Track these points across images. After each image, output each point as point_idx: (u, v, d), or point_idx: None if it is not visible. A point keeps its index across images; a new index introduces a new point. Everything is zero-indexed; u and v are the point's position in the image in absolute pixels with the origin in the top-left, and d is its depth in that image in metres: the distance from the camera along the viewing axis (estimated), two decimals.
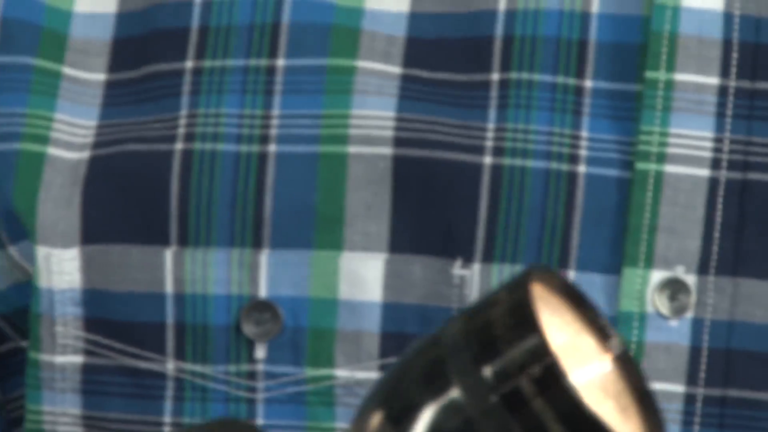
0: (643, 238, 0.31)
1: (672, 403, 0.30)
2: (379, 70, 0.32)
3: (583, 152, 0.31)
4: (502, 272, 0.31)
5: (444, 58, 0.32)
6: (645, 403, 0.28)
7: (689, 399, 0.31)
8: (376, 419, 0.28)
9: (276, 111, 0.32)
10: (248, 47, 0.33)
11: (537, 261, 0.31)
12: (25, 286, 0.34)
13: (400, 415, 0.28)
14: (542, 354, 0.26)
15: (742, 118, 0.31)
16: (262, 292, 0.32)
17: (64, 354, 0.34)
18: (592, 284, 0.31)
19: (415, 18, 0.33)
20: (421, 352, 0.28)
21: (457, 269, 0.32)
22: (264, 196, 0.32)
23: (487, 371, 0.26)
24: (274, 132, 0.32)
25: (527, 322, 0.26)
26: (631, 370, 0.28)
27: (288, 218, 0.32)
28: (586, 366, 0.27)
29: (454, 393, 0.27)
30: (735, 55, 0.31)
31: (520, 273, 0.27)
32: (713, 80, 0.31)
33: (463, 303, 0.31)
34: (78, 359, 0.34)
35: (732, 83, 0.31)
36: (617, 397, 0.28)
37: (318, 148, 0.32)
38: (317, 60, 0.32)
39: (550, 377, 0.26)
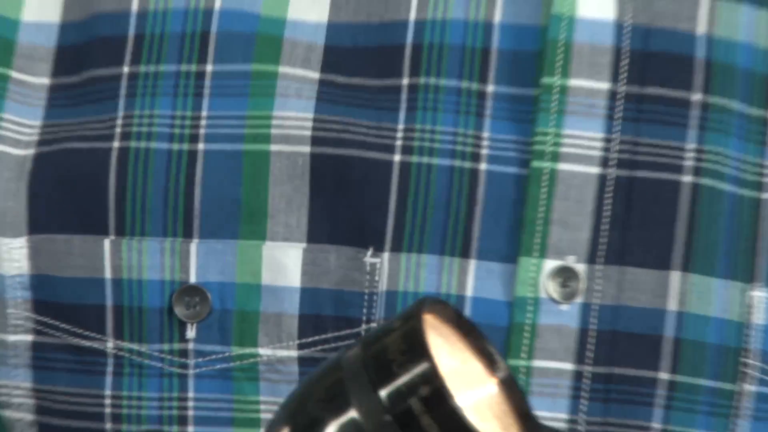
0: (537, 230, 0.34)
1: (562, 379, 0.33)
2: (299, 75, 0.35)
3: (484, 151, 0.34)
4: (410, 260, 0.33)
5: (359, 65, 0.35)
6: (527, 423, 0.30)
7: (577, 376, 0.33)
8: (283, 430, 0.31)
9: (204, 113, 0.35)
10: (180, 54, 0.35)
11: (442, 250, 0.34)
12: None
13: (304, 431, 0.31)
14: (431, 377, 0.27)
15: (631, 120, 0.34)
16: (192, 278, 0.34)
17: (15, 333, 0.37)
18: (492, 272, 0.33)
19: (332, 28, 0.35)
20: (324, 374, 0.30)
21: (369, 257, 0.34)
22: (194, 190, 0.34)
23: (382, 393, 0.28)
24: (202, 132, 0.34)
25: (418, 349, 0.28)
26: (515, 392, 0.30)
27: (216, 211, 0.34)
28: (472, 388, 0.30)
29: (353, 413, 0.29)
30: (625, 61, 0.34)
31: (414, 303, 0.29)
32: (604, 85, 0.34)
33: (374, 288, 0.34)
34: (28, 338, 0.36)
35: (621, 88, 0.34)
36: (501, 417, 0.30)
37: (242, 147, 0.34)
38: (242, 66, 0.35)
39: (438, 398, 0.27)
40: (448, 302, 0.32)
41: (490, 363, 0.30)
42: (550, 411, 0.33)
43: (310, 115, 0.34)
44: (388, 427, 0.28)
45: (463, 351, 0.31)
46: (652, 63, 0.34)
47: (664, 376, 0.34)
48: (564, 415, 0.33)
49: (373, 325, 0.34)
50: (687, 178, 0.34)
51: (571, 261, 0.34)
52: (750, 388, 0.34)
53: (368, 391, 0.29)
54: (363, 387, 0.29)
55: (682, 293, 0.34)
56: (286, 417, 0.30)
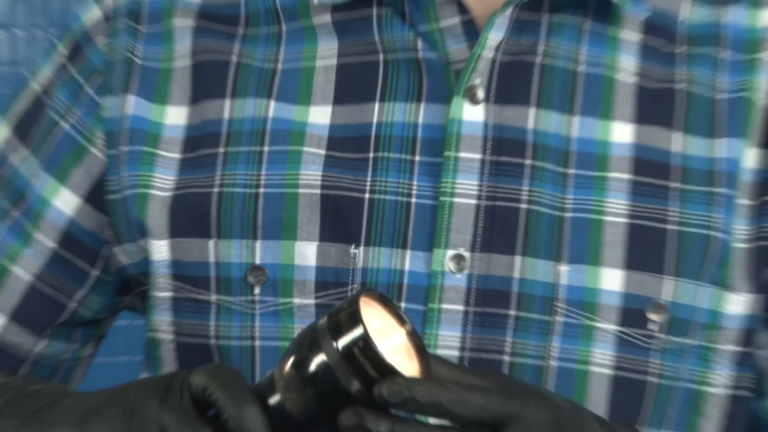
0: (443, 234, 0.56)
1: (457, 315, 0.56)
2: (313, 152, 0.58)
3: (414, 191, 0.57)
4: (374, 251, 0.56)
5: (346, 146, 0.58)
6: (422, 355, 0.47)
7: (465, 312, 0.56)
8: (288, 363, 0.46)
9: (263, 172, 0.58)
10: (249, 141, 0.58)
11: (391, 245, 0.57)
12: (146, 259, 0.61)
13: (298, 363, 0.46)
14: (364, 336, 0.43)
15: (492, 174, 0.57)
16: (257, 261, 0.57)
17: (162, 291, 0.60)
18: (419, 257, 0.56)
19: (332, 127, 0.58)
20: (308, 332, 0.46)
21: (352, 250, 0.57)
22: (257, 214, 0.58)
23: (338, 344, 0.44)
24: (262, 182, 0.58)
25: (357, 319, 0.44)
26: (416, 338, 0.47)
27: (269, 224, 0.57)
28: (390, 338, 0.46)
29: (322, 356, 0.45)
30: (488, 143, 0.57)
31: (356, 291, 0.49)
32: (477, 156, 0.57)
33: (355, 266, 0.56)
34: (168, 294, 0.60)
35: (487, 157, 0.57)
36: (407, 353, 0.47)
37: (283, 190, 0.58)
38: (283, 146, 0.58)
39: (368, 347, 0.44)
40: (375, 289, 0.51)
41: (401, 322, 0.47)
42: (451, 332, 0.56)
43: (320, 173, 0.58)
44: (342, 365, 0.44)
45: (385, 317, 0.47)
46: (504, 144, 0.57)
47: (512, 312, 0.56)
48: (458, 334, 0.56)
49: (355, 286, 0.57)
50: (524, 206, 0.56)
51: (461, 251, 0.57)
52: (559, 318, 0.58)
53: (330, 343, 0.45)
54: (327, 341, 0.45)
55: (521, 268, 0.56)
56: (291, 350, 0.47)
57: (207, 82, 0.60)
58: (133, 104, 0.61)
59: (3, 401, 0.56)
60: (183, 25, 0.61)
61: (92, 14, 0.63)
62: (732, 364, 0.60)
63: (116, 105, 0.61)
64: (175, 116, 0.61)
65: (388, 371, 0.44)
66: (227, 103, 0.60)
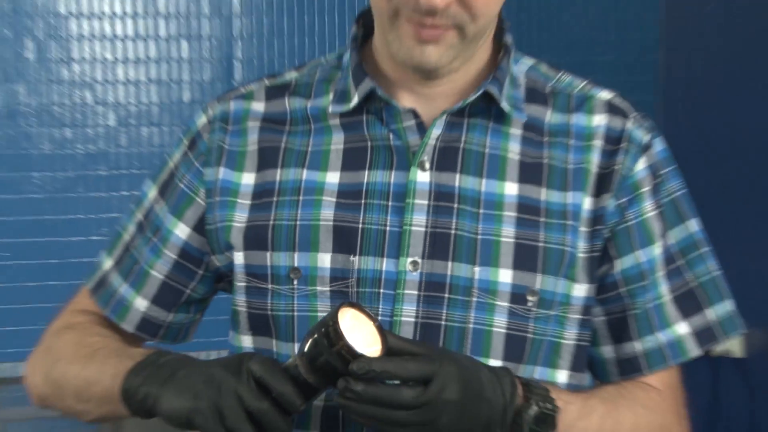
0: (405, 249, 0.89)
1: (414, 297, 0.88)
2: (328, 200, 0.93)
3: (387, 223, 0.91)
4: (365, 259, 0.88)
5: (348, 196, 0.93)
6: (384, 339, 0.77)
7: (418, 296, 0.89)
8: (304, 357, 0.78)
9: (299, 213, 0.93)
10: (291, 192, 0.94)
11: (375, 255, 0.93)
12: (231, 263, 0.95)
13: (310, 359, 0.78)
14: (345, 343, 0.75)
15: (434, 213, 0.90)
16: (295, 264, 0.93)
17: (239, 282, 0.94)
18: (391, 263, 0.90)
19: (340, 184, 0.93)
20: (317, 328, 0.78)
21: (351, 258, 0.89)
22: (295, 237, 0.93)
23: (332, 349, 0.76)
24: (298, 218, 0.92)
25: (339, 333, 0.76)
26: (381, 328, 0.78)
27: (302, 243, 0.92)
28: (362, 330, 0.77)
29: (325, 356, 0.77)
30: (432, 194, 0.92)
31: (339, 304, 0.79)
32: (425, 202, 0.90)
33: (354, 267, 0.89)
34: (243, 284, 0.93)
35: (432, 202, 0.91)
36: (374, 339, 0.78)
37: (310, 223, 0.93)
38: (311, 197, 0.94)
39: (347, 346, 0.76)
40: (353, 301, 0.83)
41: (371, 319, 0.77)
42: (410, 307, 0.87)
43: (332, 212, 0.91)
44: (334, 358, 0.76)
45: (359, 317, 0.77)
46: (440, 195, 0.90)
47: (446, 295, 0.88)
48: (414, 308, 0.87)
49: (353, 280, 0.89)
50: (453, 232, 0.89)
51: (416, 258, 0.89)
52: (474, 299, 0.90)
53: (328, 349, 0.76)
54: (326, 348, 0.76)
55: (451, 269, 0.88)
56: (304, 348, 0.77)
57: (266, 159, 0.95)
58: (222, 172, 0.96)
59: (146, 373, 0.85)
60: (253, 125, 0.99)
61: (201, 120, 1.01)
62: (577, 326, 0.95)
63: (212, 173, 0.97)
64: (247, 179, 0.96)
65: (359, 356, 0.75)
66: (278, 171, 0.95)
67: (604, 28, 2.60)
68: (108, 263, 1.03)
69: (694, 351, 0.96)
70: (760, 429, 2.02)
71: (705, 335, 0.96)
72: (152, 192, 1.02)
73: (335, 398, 0.78)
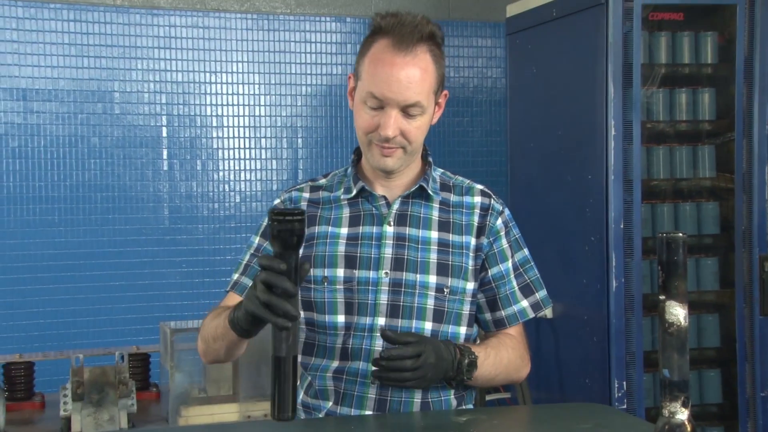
0: (381, 266, 1.73)
1: (386, 291, 1.71)
2: (342, 242, 1.79)
3: (373, 253, 1.83)
4: (361, 271, 1.75)
5: (351, 240, 1.77)
6: None
7: (388, 291, 1.72)
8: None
9: (327, 250, 1.76)
10: (323, 239, 1.79)
11: (367, 269, 1.84)
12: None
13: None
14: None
15: (395, 247, 1.76)
16: (326, 275, 1.73)
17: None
18: (375, 273, 1.76)
19: (348, 235, 1.80)
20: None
21: (354, 271, 1.69)
22: (325, 261, 1.73)
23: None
24: (327, 251, 1.75)
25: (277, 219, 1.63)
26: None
27: (329, 264, 1.76)
28: None
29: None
30: (395, 238, 1.78)
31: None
32: (391, 242, 1.76)
33: (354, 277, 1.73)
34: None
35: (394, 242, 1.75)
36: None
37: (334, 254, 1.78)
38: (334, 240, 1.80)
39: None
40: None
41: None
42: (385, 297, 1.67)
43: (344, 249, 1.73)
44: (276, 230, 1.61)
45: None
46: (399, 238, 1.76)
47: (404, 290, 1.66)
48: (386, 298, 1.65)
49: (356, 281, 1.84)
50: (406, 257, 1.74)
51: (387, 270, 1.71)
52: (418, 290, 1.67)
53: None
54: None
55: (405, 276, 1.70)
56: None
57: (310, 221, 1.75)
58: None
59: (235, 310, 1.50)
60: (303, 204, 1.79)
61: (277, 201, 1.85)
62: (469, 304, 1.80)
63: None
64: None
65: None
66: (315, 227, 1.72)
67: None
68: (236, 276, 1.82)
69: (530, 314, 1.78)
70: (560, 356, 3.35)
71: (535, 307, 1.79)
72: (256, 238, 1.84)
73: (372, 371, 1.55)
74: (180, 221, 3.88)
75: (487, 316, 1.80)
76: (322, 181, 1.83)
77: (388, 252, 1.70)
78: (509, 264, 1.78)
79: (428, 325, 1.69)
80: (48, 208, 3.70)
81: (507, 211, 1.81)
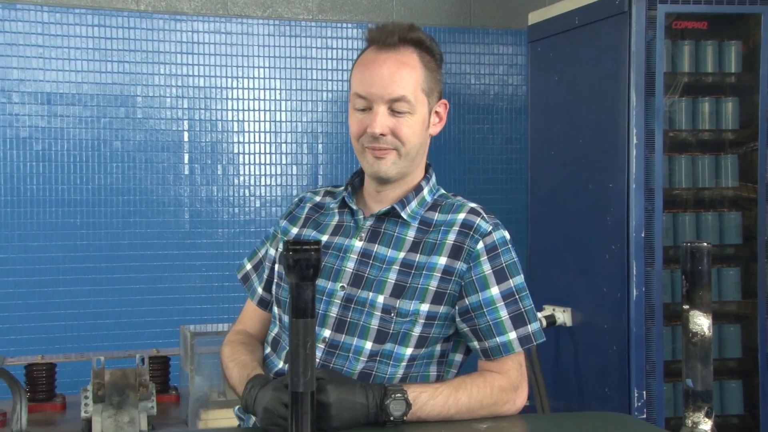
0: (339, 278, 1.68)
1: (338, 304, 1.67)
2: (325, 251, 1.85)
3: (336, 265, 1.71)
4: (327, 282, 1.66)
5: (328, 248, 1.79)
6: None
7: (341, 305, 1.66)
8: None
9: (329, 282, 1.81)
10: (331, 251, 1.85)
11: (329, 280, 1.87)
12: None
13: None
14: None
15: (359, 263, 1.66)
16: (330, 286, 1.76)
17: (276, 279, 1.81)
18: (334, 285, 1.68)
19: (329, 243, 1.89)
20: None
21: (318, 279, 1.68)
22: (323, 272, 1.73)
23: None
24: (323, 258, 1.77)
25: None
26: None
27: (327, 275, 1.71)
28: None
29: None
30: (361, 253, 1.68)
31: None
32: (356, 256, 1.68)
33: (329, 288, 1.67)
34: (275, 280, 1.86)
35: (359, 258, 1.67)
36: None
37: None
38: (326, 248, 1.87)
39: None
40: None
41: None
42: (336, 310, 1.64)
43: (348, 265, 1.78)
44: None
45: None
46: (365, 254, 1.64)
47: (354, 306, 1.61)
48: (337, 311, 1.64)
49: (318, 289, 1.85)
50: (366, 275, 1.63)
51: (344, 283, 1.63)
52: (367, 309, 1.63)
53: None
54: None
55: (359, 293, 1.61)
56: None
57: (308, 223, 1.75)
58: (285, 223, 1.82)
59: (249, 388, 1.55)
60: (308, 206, 1.78)
61: (295, 200, 1.90)
62: (424, 327, 1.59)
63: (285, 224, 1.79)
64: (296, 230, 1.77)
65: None
66: (304, 229, 1.72)
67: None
68: (248, 265, 1.85)
69: (516, 349, 1.60)
70: (579, 364, 3.28)
71: (524, 340, 1.61)
72: (272, 230, 1.85)
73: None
74: (200, 225, 3.91)
75: (476, 344, 1.67)
76: (339, 188, 1.82)
77: (350, 266, 1.66)
78: (491, 293, 1.63)
79: (368, 345, 1.62)
80: (70, 211, 3.74)
81: (498, 234, 1.65)
